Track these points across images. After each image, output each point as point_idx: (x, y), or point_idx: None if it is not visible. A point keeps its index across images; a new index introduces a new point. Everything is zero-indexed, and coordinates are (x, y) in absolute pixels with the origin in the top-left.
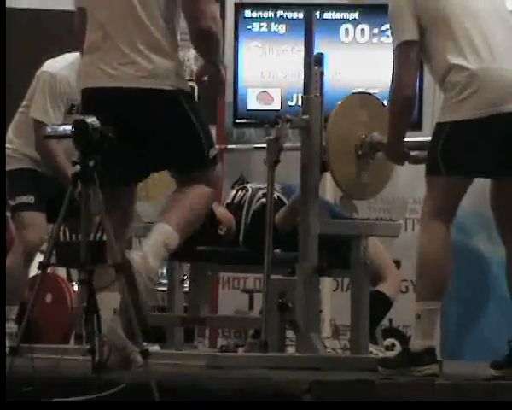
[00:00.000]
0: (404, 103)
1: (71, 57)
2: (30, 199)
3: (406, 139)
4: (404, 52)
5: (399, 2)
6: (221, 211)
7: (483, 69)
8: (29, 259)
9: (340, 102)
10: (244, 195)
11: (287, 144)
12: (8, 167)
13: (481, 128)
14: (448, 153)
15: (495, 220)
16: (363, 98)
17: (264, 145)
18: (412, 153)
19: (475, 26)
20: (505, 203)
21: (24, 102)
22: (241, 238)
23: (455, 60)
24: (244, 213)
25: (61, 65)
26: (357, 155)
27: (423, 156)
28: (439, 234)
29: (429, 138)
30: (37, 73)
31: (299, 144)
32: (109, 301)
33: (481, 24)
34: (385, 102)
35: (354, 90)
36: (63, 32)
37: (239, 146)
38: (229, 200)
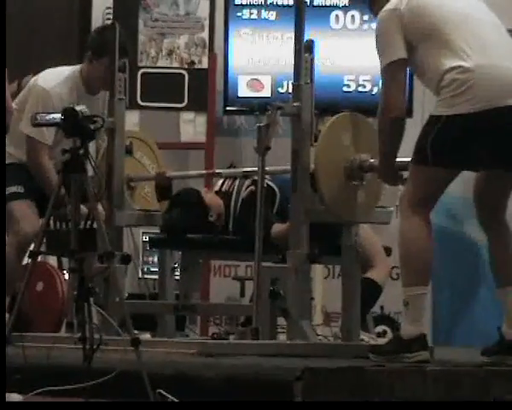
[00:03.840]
0: (392, 125)
1: (66, 71)
2: (19, 189)
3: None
4: (392, 72)
5: (386, 24)
6: (210, 197)
7: (478, 66)
8: (23, 251)
9: (327, 125)
10: (232, 183)
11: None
12: None
13: (476, 122)
14: (439, 144)
15: (477, 210)
16: (350, 118)
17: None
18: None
19: (467, 29)
20: (492, 195)
21: (13, 105)
22: (230, 226)
23: (451, 63)
24: (233, 201)
25: (56, 80)
26: (346, 177)
27: None
28: (420, 222)
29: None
30: (30, 83)
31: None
32: None
33: (473, 27)
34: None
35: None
36: (58, 12)
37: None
38: (217, 188)
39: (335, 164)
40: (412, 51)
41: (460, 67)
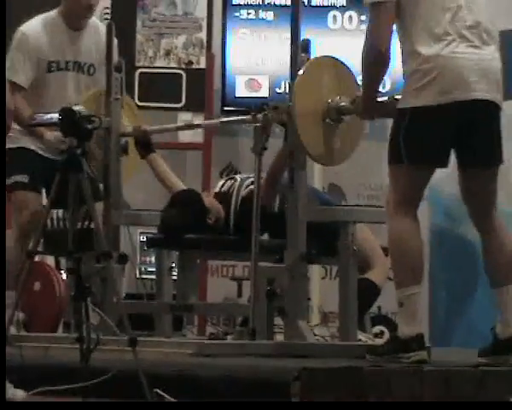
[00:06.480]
0: (376, 59)
1: (43, 16)
2: (24, 178)
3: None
4: (375, 11)
5: None
6: (210, 200)
7: (441, 56)
8: (25, 241)
9: (304, 67)
10: (232, 184)
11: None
12: None
13: (441, 115)
14: (410, 141)
15: (468, 211)
16: (328, 62)
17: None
18: None
19: (444, 8)
20: (474, 193)
21: None
22: (231, 225)
23: (413, 45)
24: (233, 200)
25: (34, 23)
26: (323, 120)
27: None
28: (406, 221)
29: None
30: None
31: None
32: None
33: (450, 5)
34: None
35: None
36: None
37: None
38: (217, 189)
39: (313, 103)
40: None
41: (421, 55)
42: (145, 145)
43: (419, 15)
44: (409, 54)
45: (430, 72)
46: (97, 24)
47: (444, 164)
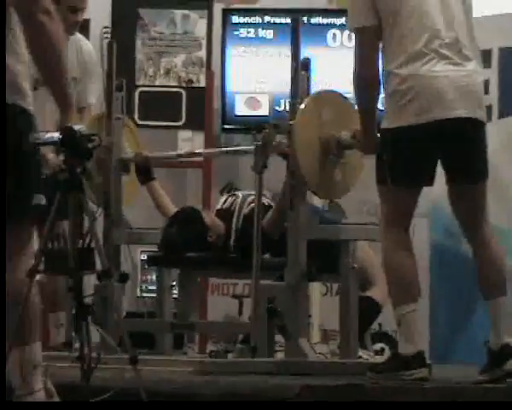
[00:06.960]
0: (365, 84)
1: None
2: None
3: None
4: (360, 36)
5: None
6: (211, 218)
7: (418, 76)
8: None
9: (305, 102)
10: (234, 201)
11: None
12: None
13: (422, 135)
14: (393, 162)
15: (459, 225)
16: (329, 96)
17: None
18: None
19: (421, 26)
20: (463, 208)
21: None
22: (232, 243)
23: (397, 66)
24: (235, 217)
25: None
26: (325, 154)
27: None
28: (398, 239)
29: None
30: None
31: None
32: None
33: (428, 23)
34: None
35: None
36: None
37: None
38: (218, 206)
39: (313, 141)
40: (379, 24)
41: (398, 75)
42: (145, 172)
43: (397, 36)
44: (388, 74)
45: (409, 91)
46: (78, 38)
47: (428, 183)
